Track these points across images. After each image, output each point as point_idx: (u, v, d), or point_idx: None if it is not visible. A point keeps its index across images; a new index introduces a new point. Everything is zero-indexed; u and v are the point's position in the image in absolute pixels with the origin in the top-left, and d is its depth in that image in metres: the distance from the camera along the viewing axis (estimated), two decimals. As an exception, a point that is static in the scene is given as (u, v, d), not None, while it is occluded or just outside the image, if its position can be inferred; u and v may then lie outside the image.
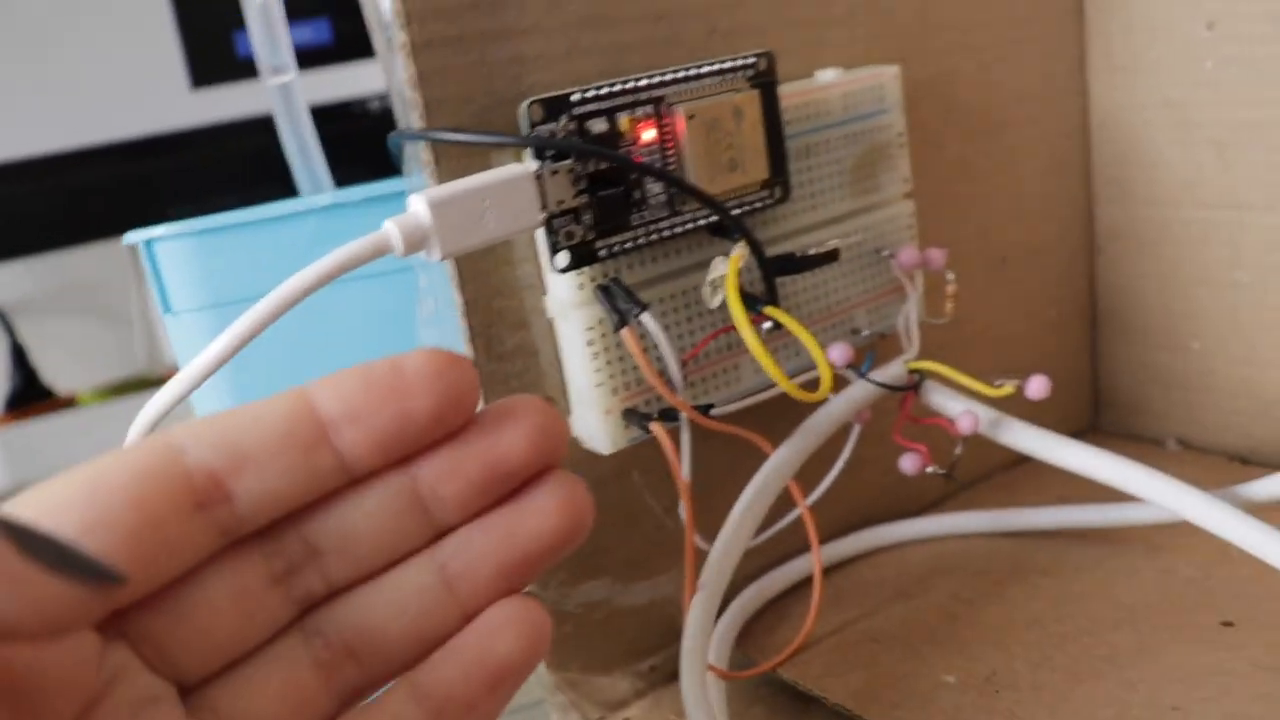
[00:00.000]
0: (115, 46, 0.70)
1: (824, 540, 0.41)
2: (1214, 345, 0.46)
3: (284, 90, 0.34)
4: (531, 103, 0.30)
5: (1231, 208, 0.44)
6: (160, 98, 0.69)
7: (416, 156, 0.32)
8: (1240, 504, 0.35)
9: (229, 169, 0.65)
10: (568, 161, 0.30)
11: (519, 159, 0.31)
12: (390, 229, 0.28)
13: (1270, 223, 0.43)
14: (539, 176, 0.30)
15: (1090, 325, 0.50)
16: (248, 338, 0.27)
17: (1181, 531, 0.37)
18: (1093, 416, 0.51)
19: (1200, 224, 0.45)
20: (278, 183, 0.39)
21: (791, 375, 0.35)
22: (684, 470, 0.33)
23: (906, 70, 0.39)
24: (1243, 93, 0.43)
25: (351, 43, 0.66)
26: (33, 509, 0.17)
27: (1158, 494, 0.34)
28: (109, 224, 0.67)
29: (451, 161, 0.31)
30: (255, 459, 0.19)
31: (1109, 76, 0.47)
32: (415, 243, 0.28)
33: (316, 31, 0.68)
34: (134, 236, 0.36)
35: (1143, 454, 0.35)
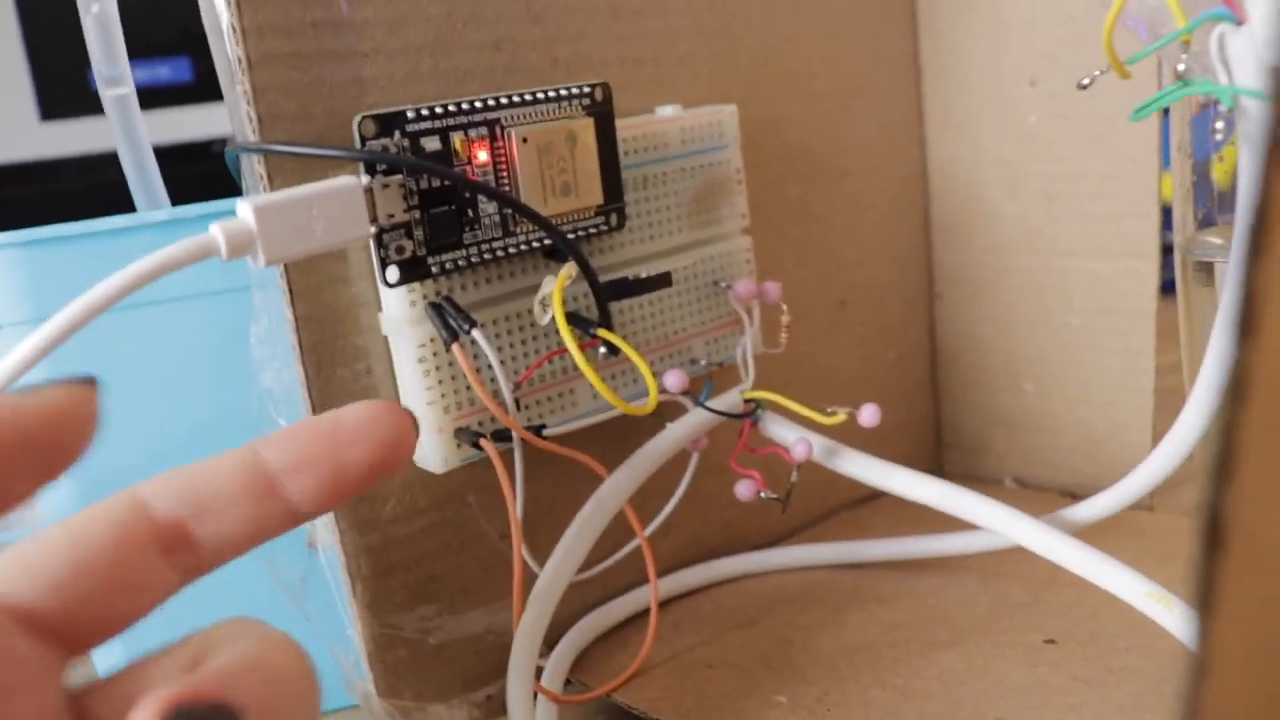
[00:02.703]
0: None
1: (665, 572, 0.41)
2: (1049, 386, 0.48)
3: (121, 102, 0.34)
4: (364, 118, 0.30)
5: (1061, 254, 0.46)
6: (8, 128, 0.67)
7: (251, 170, 0.32)
8: (1065, 528, 0.37)
9: (77, 202, 0.63)
10: (399, 176, 0.30)
11: (353, 174, 0.31)
12: (214, 232, 0.28)
13: (1093, 269, 0.45)
14: (369, 190, 0.30)
15: (931, 367, 0.52)
16: (59, 339, 0.27)
17: (1014, 559, 0.39)
18: (936, 457, 0.53)
19: (1033, 271, 0.47)
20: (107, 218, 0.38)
21: (627, 402, 0.36)
22: (517, 491, 0.33)
23: (746, 111, 0.40)
24: (1064, 147, 0.45)
25: (211, 82, 0.66)
26: (18, 563, 0.19)
27: (988, 518, 0.36)
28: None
29: (286, 176, 0.31)
30: (213, 508, 0.21)
31: (944, 130, 0.49)
32: (239, 247, 0.28)
33: (176, 70, 0.68)
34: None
35: (981, 491, 0.36)
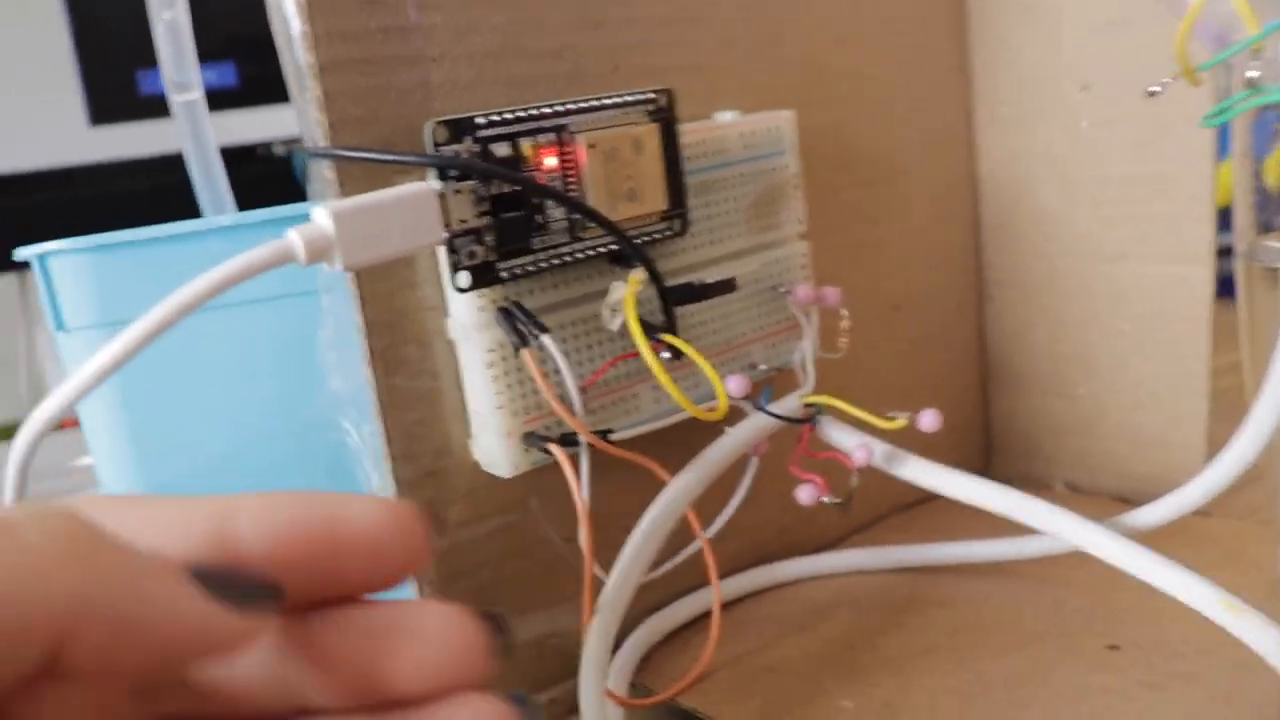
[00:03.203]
0: (14, 80, 0.69)
1: (723, 575, 0.41)
2: (1100, 391, 0.48)
3: (189, 108, 0.34)
4: (436, 123, 0.30)
5: (1113, 259, 0.46)
6: (58, 133, 0.68)
7: (321, 176, 0.32)
8: (1126, 533, 0.36)
9: (124, 207, 0.64)
10: (471, 182, 0.30)
11: (422, 180, 0.31)
12: (293, 237, 0.28)
13: (1146, 273, 0.45)
14: (442, 195, 0.30)
15: (981, 371, 0.52)
16: (141, 344, 0.27)
17: (1070, 564, 0.38)
18: (984, 461, 0.53)
19: (1085, 274, 0.47)
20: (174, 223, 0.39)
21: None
22: (584, 493, 0.33)
23: (800, 116, 0.40)
24: (1116, 151, 0.45)
25: (256, 86, 0.66)
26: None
27: (1050, 523, 0.35)
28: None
29: (356, 182, 0.31)
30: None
31: (995, 131, 0.49)
32: (318, 252, 0.28)
33: (221, 75, 0.68)
34: (27, 252, 0.35)
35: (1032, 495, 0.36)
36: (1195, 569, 0.33)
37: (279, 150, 0.34)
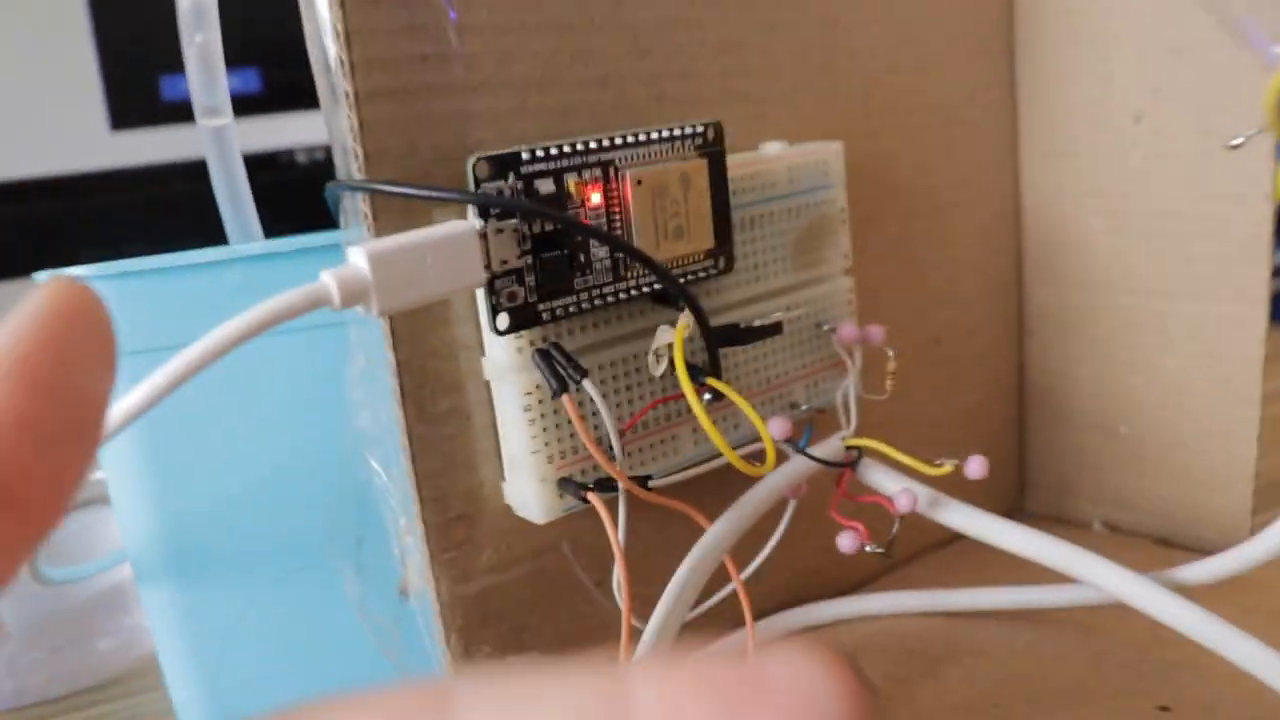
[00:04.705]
0: (36, 84, 0.68)
1: (757, 617, 0.40)
2: (1142, 429, 0.47)
3: (218, 134, 0.33)
4: (478, 159, 0.29)
5: (1160, 295, 0.45)
6: (79, 137, 0.67)
7: (355, 209, 0.31)
8: (1172, 586, 0.35)
9: (144, 214, 0.63)
10: (513, 221, 0.29)
11: (462, 217, 0.30)
12: (328, 280, 0.27)
13: (1194, 310, 0.44)
14: (484, 235, 0.29)
15: (1019, 405, 0.51)
16: (170, 387, 0.26)
17: (1113, 614, 0.37)
18: (1018, 497, 0.52)
19: (1130, 310, 0.46)
20: (193, 231, 0.38)
21: (734, 447, 0.35)
22: (620, 544, 0.32)
23: (847, 146, 0.39)
24: (1167, 186, 0.44)
25: (281, 93, 0.65)
26: None
27: (1099, 577, 0.34)
28: (14, 264, 0.65)
29: (391, 215, 0.30)
30: None
31: (1042, 163, 0.47)
32: (353, 296, 0.27)
33: (245, 80, 0.67)
34: (47, 276, 0.34)
35: (1071, 537, 0.35)
36: (1239, 623, 0.32)
37: (301, 158, 0.33)
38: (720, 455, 0.34)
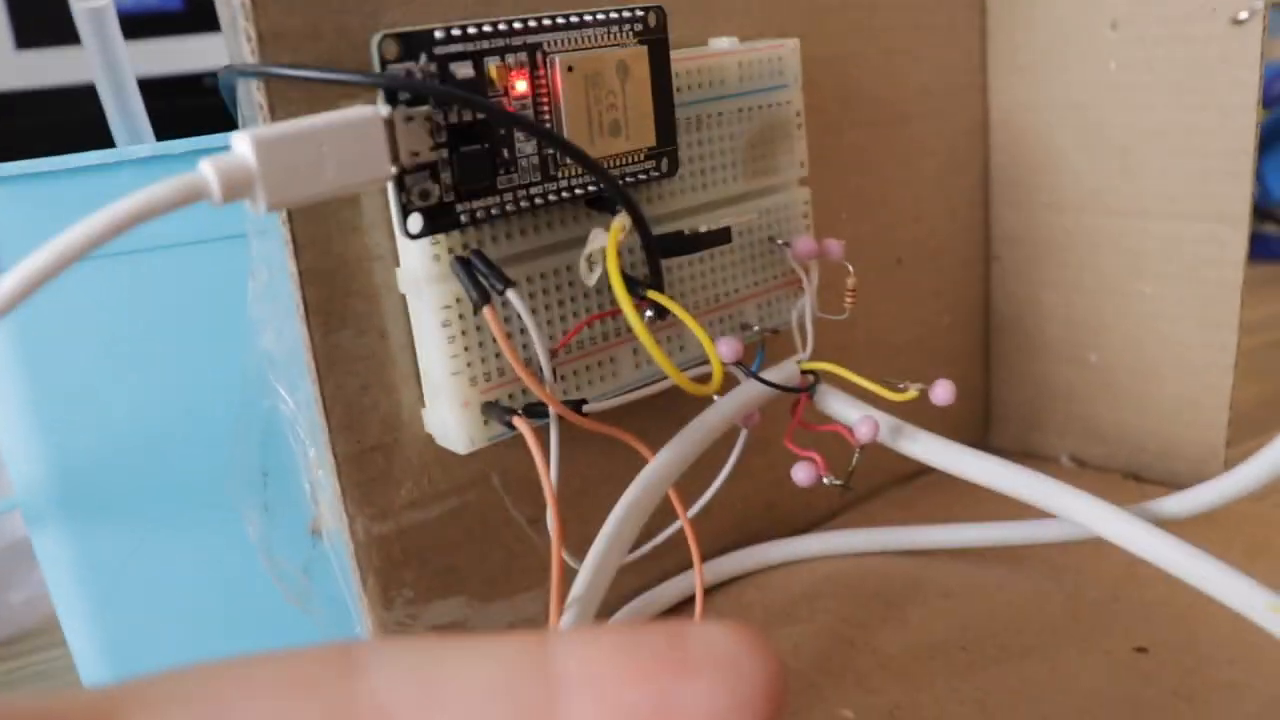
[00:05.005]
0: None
1: (706, 557, 0.37)
2: (1114, 358, 0.44)
3: (96, 17, 0.29)
4: (385, 37, 0.25)
5: (1134, 215, 0.42)
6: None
7: (250, 100, 0.27)
8: (1151, 519, 0.33)
9: (52, 135, 0.58)
10: (425, 107, 0.26)
11: (369, 103, 0.26)
12: (206, 170, 0.23)
13: (1171, 231, 0.41)
14: (390, 122, 0.25)
15: (984, 334, 0.48)
16: (21, 295, 0.22)
17: (1085, 551, 0.35)
18: (983, 430, 0.49)
19: (1103, 231, 0.43)
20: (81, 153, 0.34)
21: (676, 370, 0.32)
22: (552, 474, 0.29)
23: (804, 48, 0.35)
24: (1145, 96, 0.41)
25: (203, 11, 0.61)
26: None
27: (1074, 511, 0.32)
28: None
29: (291, 107, 0.27)
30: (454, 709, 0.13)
31: (1011, 75, 0.44)
32: (235, 188, 0.23)
33: (165, -2, 0.63)
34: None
35: (1036, 470, 0.32)
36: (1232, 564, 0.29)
37: (209, 81, 0.29)
38: (665, 378, 0.31)
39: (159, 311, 0.33)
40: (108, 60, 0.30)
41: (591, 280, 0.29)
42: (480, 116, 0.27)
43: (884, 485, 0.44)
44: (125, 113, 0.31)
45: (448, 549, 0.31)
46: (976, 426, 0.49)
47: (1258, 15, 0.29)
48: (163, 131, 0.36)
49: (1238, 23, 0.30)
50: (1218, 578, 0.29)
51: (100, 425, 0.33)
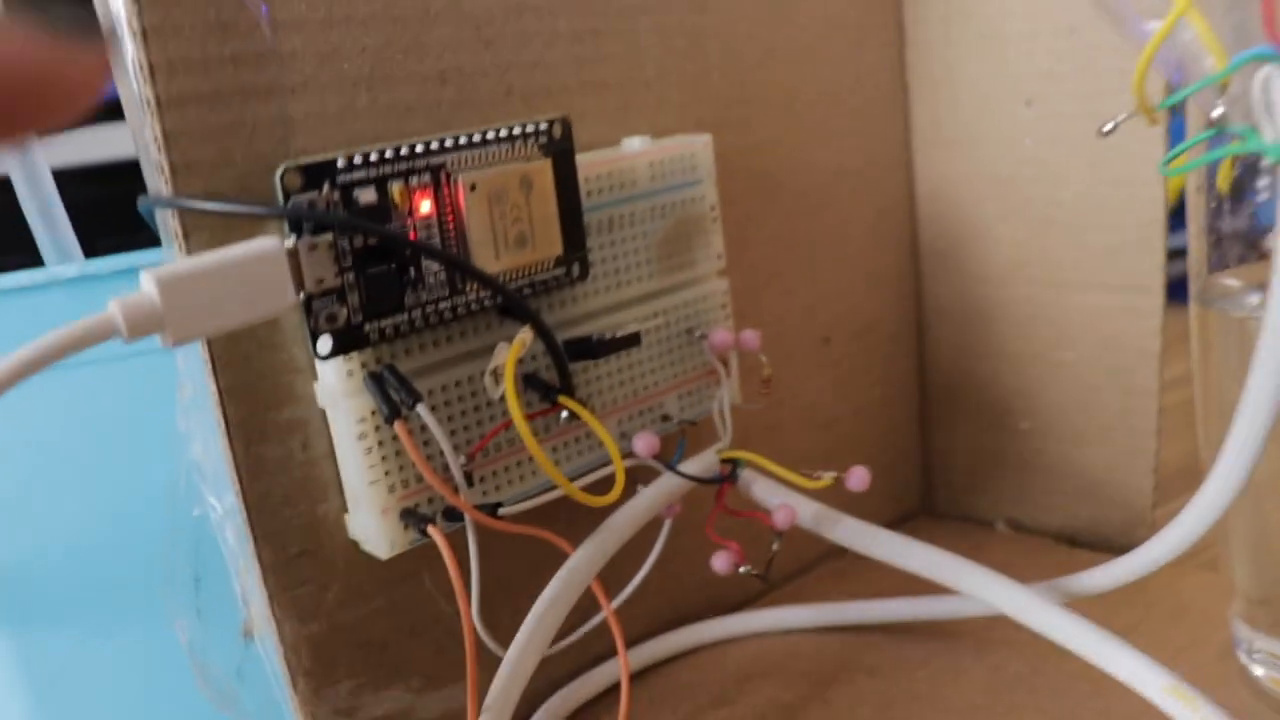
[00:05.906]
0: None
1: (637, 639, 0.38)
2: (1043, 425, 0.45)
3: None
4: (286, 169, 0.26)
5: (1056, 286, 0.43)
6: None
7: (166, 226, 0.28)
8: (1063, 596, 0.34)
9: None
10: (329, 235, 0.27)
11: (274, 233, 0.27)
12: (114, 310, 0.24)
13: (1089, 302, 0.42)
14: (294, 252, 0.26)
15: (920, 404, 0.49)
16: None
17: (1009, 624, 0.36)
18: (925, 497, 0.50)
19: (1028, 301, 0.44)
20: (18, 253, 0.35)
21: (594, 468, 0.33)
22: (472, 575, 0.30)
23: (721, 138, 0.37)
24: (1060, 170, 0.42)
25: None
26: None
27: (985, 591, 0.33)
28: None
29: (205, 234, 0.28)
30: None
31: (935, 149, 0.46)
32: (142, 326, 0.24)
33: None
34: None
35: (972, 536, 0.33)
36: (1138, 624, 0.30)
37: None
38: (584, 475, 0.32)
39: (93, 422, 0.33)
40: (33, 183, 0.31)
41: (497, 394, 0.30)
42: (384, 240, 0.27)
43: (821, 557, 0.45)
44: (51, 229, 0.32)
45: (377, 649, 0.32)
46: (917, 493, 0.50)
47: (1120, 125, 0.30)
48: (89, 223, 0.37)
49: (1103, 134, 0.31)
50: (1118, 658, 0.30)
51: (35, 533, 0.34)
